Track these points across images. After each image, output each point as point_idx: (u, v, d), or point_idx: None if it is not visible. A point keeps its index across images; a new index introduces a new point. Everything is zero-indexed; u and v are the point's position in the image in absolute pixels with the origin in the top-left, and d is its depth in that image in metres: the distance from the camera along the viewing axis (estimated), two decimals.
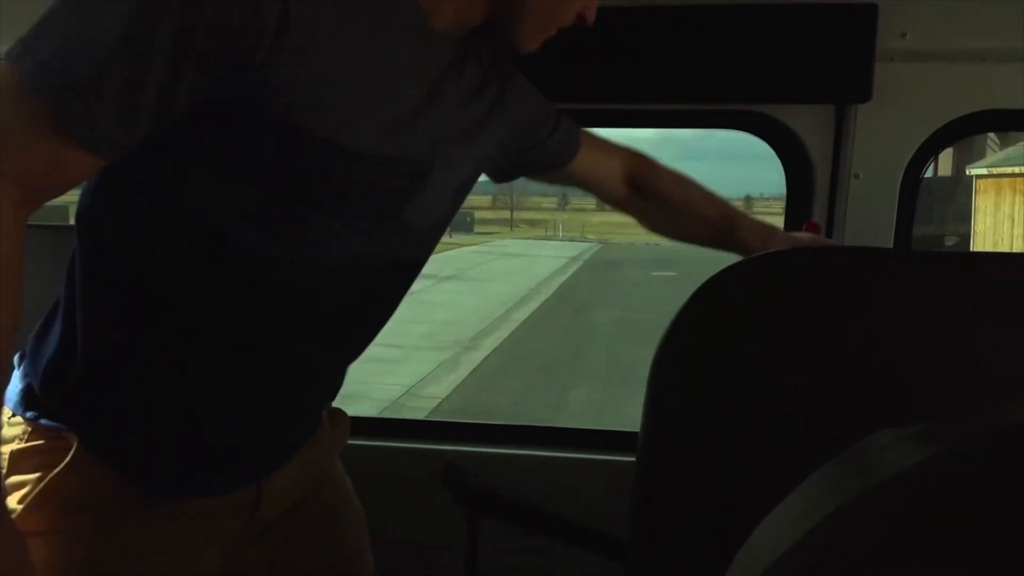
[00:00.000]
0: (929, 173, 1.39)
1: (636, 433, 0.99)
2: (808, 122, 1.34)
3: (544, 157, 1.12)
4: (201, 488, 0.90)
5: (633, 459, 1.00)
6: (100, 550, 0.85)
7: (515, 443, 1.57)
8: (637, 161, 1.19)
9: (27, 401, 0.87)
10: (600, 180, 1.18)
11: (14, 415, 0.87)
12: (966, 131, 1.34)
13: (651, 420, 0.98)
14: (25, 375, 0.88)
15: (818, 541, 0.32)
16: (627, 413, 1.33)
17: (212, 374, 0.86)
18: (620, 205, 1.21)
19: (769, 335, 0.96)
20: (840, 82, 1.25)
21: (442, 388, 7.91)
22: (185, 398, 0.86)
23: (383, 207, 0.85)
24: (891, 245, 1.36)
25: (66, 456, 0.83)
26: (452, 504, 1.33)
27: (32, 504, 0.82)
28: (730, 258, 1.07)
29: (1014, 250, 9.44)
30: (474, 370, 8.77)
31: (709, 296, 0.97)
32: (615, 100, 1.34)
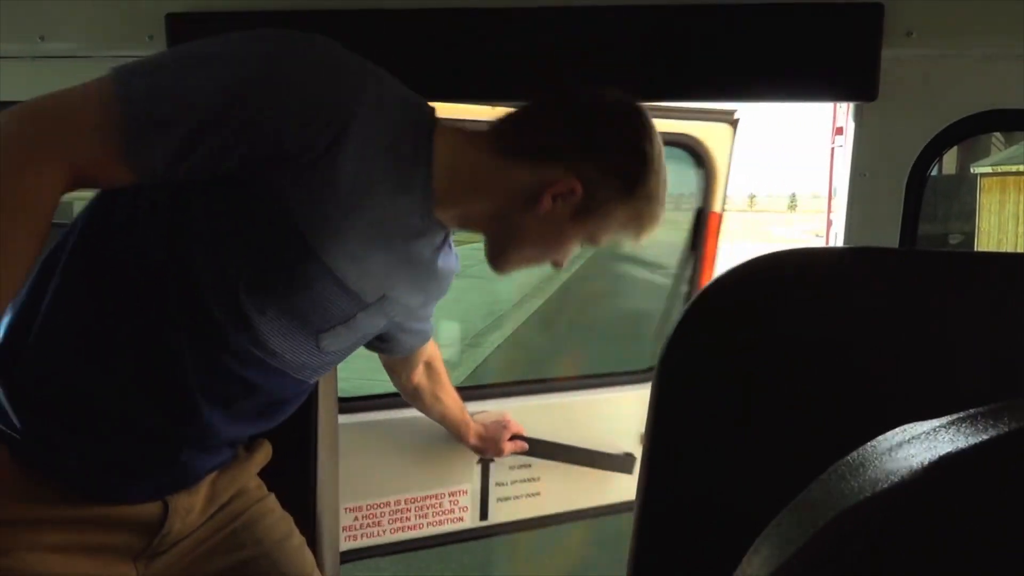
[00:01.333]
0: (934, 172, 1.38)
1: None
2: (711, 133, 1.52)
3: (408, 339, 1.29)
4: (108, 494, 0.94)
5: None
6: (13, 545, 0.88)
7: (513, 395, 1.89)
8: (430, 368, 1.48)
9: None
10: (402, 369, 1.43)
11: None
12: (972, 131, 1.33)
13: (656, 422, 0.98)
14: None
15: (818, 549, 0.32)
16: None
17: (140, 395, 0.92)
18: (403, 388, 1.49)
19: (775, 336, 0.95)
20: (846, 81, 1.24)
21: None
22: (113, 408, 0.91)
23: (321, 322, 0.96)
24: (897, 244, 1.35)
25: None
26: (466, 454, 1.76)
27: None
28: (730, 263, 1.08)
29: (1019, 249, 9.39)
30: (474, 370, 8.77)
31: (713, 298, 0.96)
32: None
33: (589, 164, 0.97)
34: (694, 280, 2.09)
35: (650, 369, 2.05)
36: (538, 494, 1.94)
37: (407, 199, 0.93)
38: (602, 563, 2.37)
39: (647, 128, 1.00)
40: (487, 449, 1.71)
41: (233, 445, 1.05)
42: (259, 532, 1.10)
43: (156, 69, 0.83)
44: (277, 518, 1.14)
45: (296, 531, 1.15)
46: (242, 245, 0.87)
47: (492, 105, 1.57)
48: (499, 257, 1.02)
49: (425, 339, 1.34)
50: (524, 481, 1.92)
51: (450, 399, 1.58)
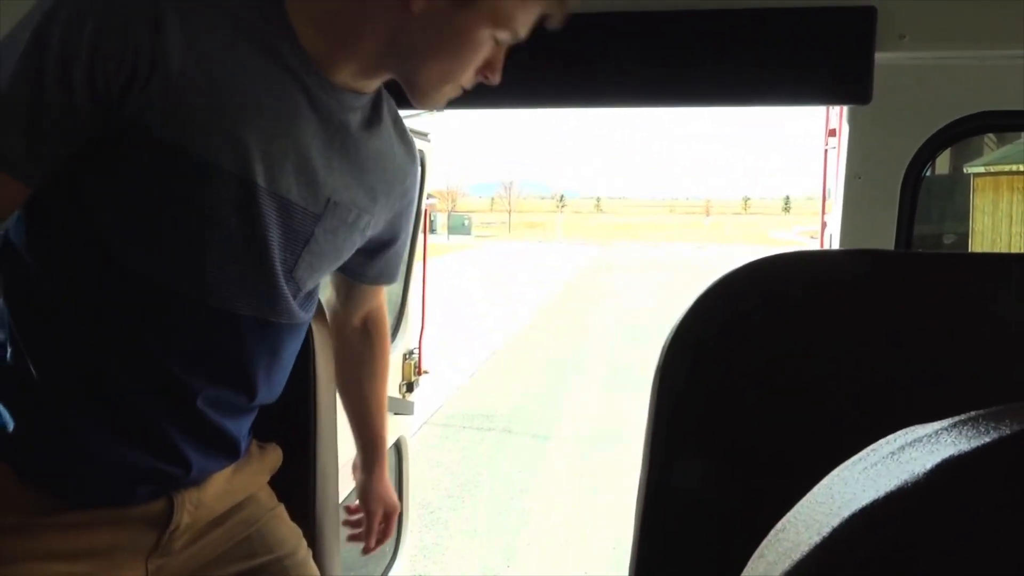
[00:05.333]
0: (927, 172, 1.39)
1: None
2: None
3: (374, 268, 1.17)
4: (110, 498, 0.93)
5: None
6: (13, 554, 0.88)
7: None
8: (376, 317, 1.28)
9: None
10: (348, 303, 1.25)
11: None
12: (966, 132, 1.34)
13: (656, 423, 0.98)
14: None
15: (824, 554, 0.32)
16: None
17: (122, 385, 0.90)
18: (338, 329, 1.27)
19: (773, 339, 0.96)
20: (839, 84, 1.25)
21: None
22: (98, 410, 0.90)
23: (282, 253, 0.92)
24: (892, 246, 1.36)
25: None
26: None
27: None
28: (728, 262, 1.08)
29: (1012, 248, 9.43)
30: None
31: (712, 301, 0.97)
32: (617, 103, 1.34)
33: None
34: (408, 270, 2.33)
35: None
36: None
37: (283, 73, 0.87)
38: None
39: None
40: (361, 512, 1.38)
41: (236, 440, 1.03)
42: (271, 542, 1.10)
43: None
44: (288, 529, 1.14)
45: (304, 543, 1.16)
46: (148, 197, 0.84)
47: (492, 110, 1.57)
48: (415, 90, 0.94)
49: (385, 280, 1.21)
50: None
51: (374, 396, 1.33)
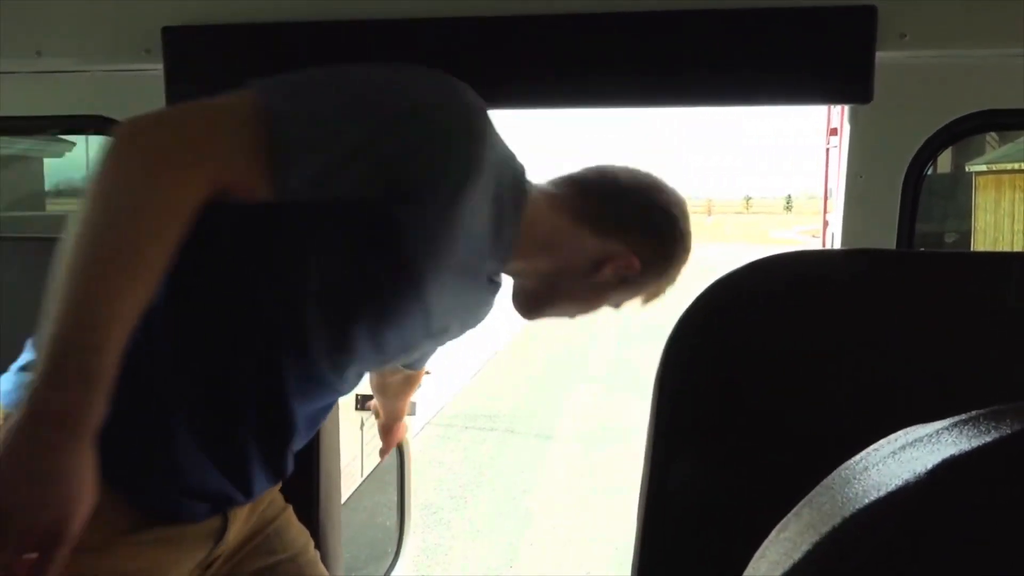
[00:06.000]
0: (928, 171, 1.39)
1: None
2: None
3: (427, 357, 1.33)
4: (181, 516, 0.95)
5: None
6: (94, 573, 0.87)
7: None
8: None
9: None
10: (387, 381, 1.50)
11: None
12: (967, 131, 1.34)
13: (657, 423, 0.98)
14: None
15: (826, 554, 0.32)
16: None
17: (228, 423, 0.93)
18: (378, 383, 1.52)
19: (774, 339, 0.96)
20: (840, 83, 1.25)
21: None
22: (202, 438, 0.91)
23: (395, 346, 1.03)
24: (894, 245, 1.36)
25: None
26: None
27: None
28: (729, 261, 1.09)
29: (1015, 246, 9.40)
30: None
31: (712, 301, 0.97)
32: (617, 104, 1.34)
33: (648, 245, 1.06)
34: None
35: None
36: None
37: (493, 248, 0.99)
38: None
39: (688, 219, 1.11)
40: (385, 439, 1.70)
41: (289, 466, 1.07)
42: (287, 539, 1.13)
43: (306, 90, 0.84)
44: (298, 529, 1.17)
45: (311, 542, 1.22)
46: (351, 269, 0.89)
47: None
48: (537, 309, 1.10)
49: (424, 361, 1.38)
50: None
51: (405, 400, 1.62)
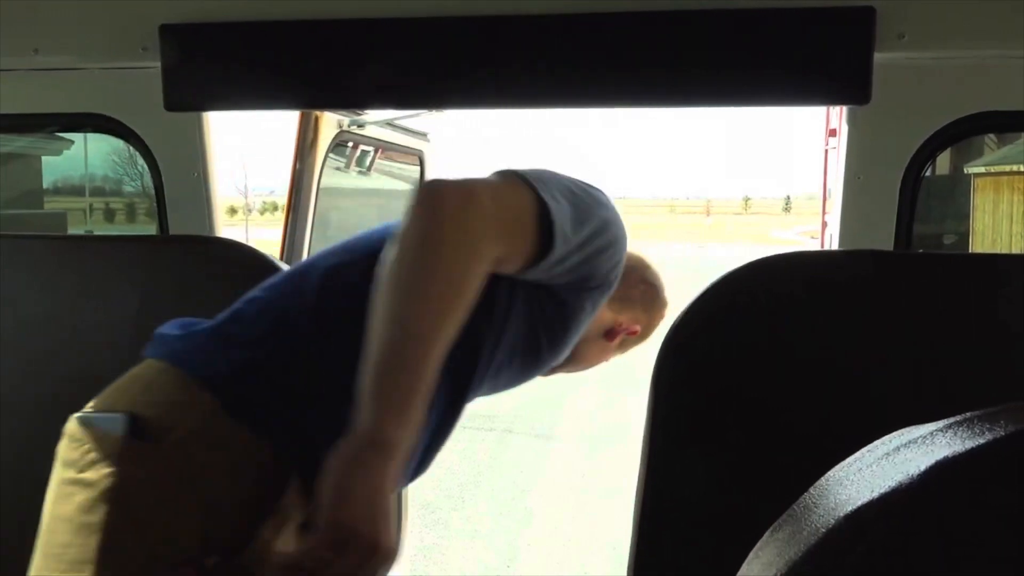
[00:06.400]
0: (927, 172, 1.39)
1: None
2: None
3: None
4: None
5: None
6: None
7: None
8: None
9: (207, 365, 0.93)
10: None
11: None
12: (965, 132, 1.34)
13: (653, 423, 0.98)
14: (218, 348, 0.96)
15: (820, 554, 0.32)
16: None
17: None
18: None
19: (772, 339, 0.96)
20: (839, 84, 1.25)
21: None
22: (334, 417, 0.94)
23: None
24: (892, 246, 1.36)
25: (283, 479, 0.89)
26: None
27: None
28: (724, 264, 1.09)
29: (1013, 248, 9.42)
30: None
31: (710, 301, 0.97)
32: (616, 104, 1.34)
33: (645, 313, 1.27)
34: None
35: None
36: None
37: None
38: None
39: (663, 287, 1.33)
40: None
41: None
42: None
43: (569, 198, 0.98)
44: None
45: None
46: (536, 335, 1.05)
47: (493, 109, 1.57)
48: (555, 369, 1.21)
49: None
50: None
51: None
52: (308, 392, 0.93)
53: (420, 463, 1.06)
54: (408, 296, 0.85)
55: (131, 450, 0.88)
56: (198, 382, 0.92)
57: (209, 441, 0.88)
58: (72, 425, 0.92)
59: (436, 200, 0.88)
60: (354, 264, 0.99)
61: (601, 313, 1.16)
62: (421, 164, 2.59)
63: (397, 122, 2.33)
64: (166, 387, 0.92)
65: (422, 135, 2.51)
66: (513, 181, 0.95)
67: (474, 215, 0.88)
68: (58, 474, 0.92)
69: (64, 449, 0.92)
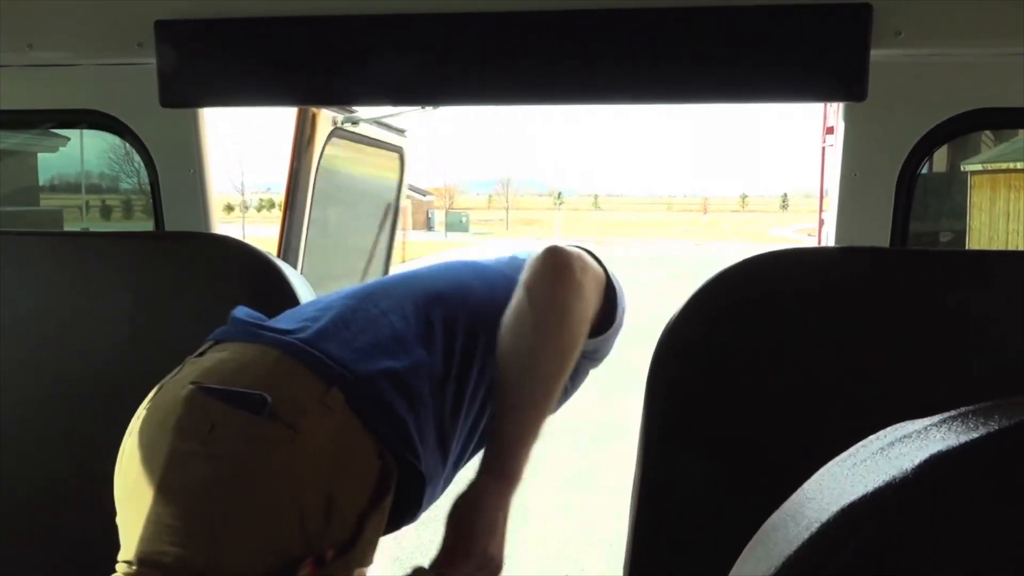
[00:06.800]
0: (924, 170, 1.39)
1: None
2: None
3: None
4: None
5: None
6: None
7: None
8: None
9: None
10: None
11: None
12: (961, 129, 1.34)
13: (649, 421, 0.98)
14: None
15: (813, 550, 0.32)
16: None
17: None
18: None
19: (767, 335, 0.96)
20: (835, 81, 1.25)
21: None
22: None
23: None
24: (888, 243, 1.36)
25: (388, 482, 0.92)
26: None
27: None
28: (721, 261, 1.09)
29: (1009, 246, 9.43)
30: None
31: (706, 298, 0.97)
32: (613, 101, 1.34)
33: None
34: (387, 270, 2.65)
35: None
36: None
37: None
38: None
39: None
40: None
41: None
42: None
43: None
44: None
45: None
46: None
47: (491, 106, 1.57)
48: None
49: None
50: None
51: None
52: (426, 404, 0.97)
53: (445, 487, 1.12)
54: (547, 354, 0.99)
55: (268, 432, 0.85)
56: (328, 377, 0.91)
57: (338, 435, 0.88)
58: (197, 395, 0.87)
59: (565, 267, 1.00)
60: (492, 304, 1.07)
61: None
62: (401, 160, 2.58)
63: (381, 119, 2.34)
64: (296, 378, 0.90)
65: (400, 131, 2.50)
66: (590, 257, 1.06)
67: (588, 284, 1.01)
68: (170, 442, 0.86)
69: (180, 418, 0.86)
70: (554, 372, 0.99)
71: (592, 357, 1.16)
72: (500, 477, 0.98)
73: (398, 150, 2.54)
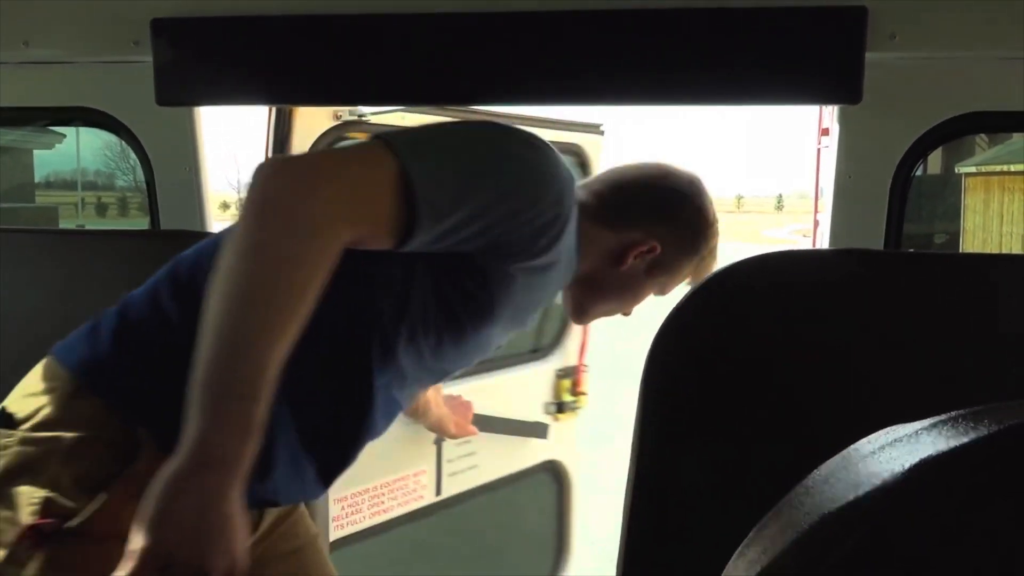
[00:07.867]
0: (918, 172, 1.40)
1: None
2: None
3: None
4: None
5: None
6: None
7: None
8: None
9: (100, 383, 0.91)
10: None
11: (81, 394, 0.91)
12: (956, 132, 1.34)
13: (643, 421, 0.99)
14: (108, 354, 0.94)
15: (802, 553, 0.32)
16: None
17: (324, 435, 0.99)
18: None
19: (761, 337, 0.96)
20: (830, 84, 1.25)
21: None
22: (277, 429, 0.90)
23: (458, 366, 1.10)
24: (882, 245, 1.36)
25: (136, 451, 0.88)
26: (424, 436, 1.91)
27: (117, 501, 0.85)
28: (721, 260, 1.09)
29: (1003, 247, 9.46)
30: None
31: (700, 300, 0.97)
32: (608, 102, 1.34)
33: (663, 226, 1.13)
34: None
35: (535, 351, 2.36)
36: (476, 466, 2.20)
37: (568, 272, 1.07)
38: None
39: (706, 193, 1.19)
40: (444, 428, 1.78)
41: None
42: (304, 526, 1.18)
43: (437, 154, 0.90)
44: (309, 519, 1.22)
45: (321, 531, 1.27)
46: (450, 307, 0.96)
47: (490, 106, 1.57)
48: (581, 311, 1.17)
49: None
50: (465, 456, 2.15)
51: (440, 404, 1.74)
52: (165, 368, 0.88)
53: (344, 458, 1.03)
54: (228, 300, 0.76)
55: None
56: (61, 366, 0.94)
57: (61, 418, 0.90)
58: None
59: (262, 186, 0.78)
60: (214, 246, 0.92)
61: (601, 237, 1.09)
62: None
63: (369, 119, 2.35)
64: (35, 375, 0.96)
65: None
66: (373, 150, 0.86)
67: (307, 198, 0.78)
68: None
69: None
70: (245, 323, 0.76)
71: (488, 256, 0.94)
72: (191, 461, 0.73)
73: None
